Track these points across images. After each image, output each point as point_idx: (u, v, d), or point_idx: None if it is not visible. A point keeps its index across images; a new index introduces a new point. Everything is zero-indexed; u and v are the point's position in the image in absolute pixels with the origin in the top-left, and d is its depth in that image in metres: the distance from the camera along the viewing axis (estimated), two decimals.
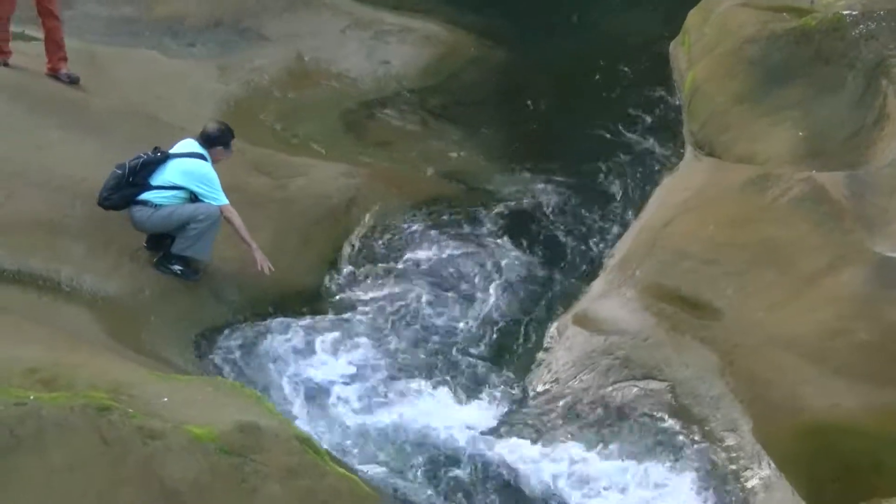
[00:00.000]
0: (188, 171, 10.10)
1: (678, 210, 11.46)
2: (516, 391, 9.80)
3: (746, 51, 13.48)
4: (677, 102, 14.65)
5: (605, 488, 8.78)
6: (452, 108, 14.72)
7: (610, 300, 10.40)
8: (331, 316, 10.53)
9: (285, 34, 15.20)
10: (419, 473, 8.77)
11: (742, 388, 9.11)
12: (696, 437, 9.06)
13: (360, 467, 8.58)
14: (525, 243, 11.82)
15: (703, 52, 14.29)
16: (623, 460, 8.99)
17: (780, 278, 10.16)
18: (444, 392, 9.69)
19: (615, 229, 12.15)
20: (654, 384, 9.46)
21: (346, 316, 10.53)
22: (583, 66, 15.86)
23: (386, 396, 9.57)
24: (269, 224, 11.05)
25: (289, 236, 11.13)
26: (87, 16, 14.17)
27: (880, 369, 9.11)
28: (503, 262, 11.48)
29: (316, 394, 9.55)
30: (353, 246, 11.48)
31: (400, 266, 11.29)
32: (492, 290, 11.07)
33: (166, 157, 10.16)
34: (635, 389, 9.50)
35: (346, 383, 9.71)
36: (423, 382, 9.80)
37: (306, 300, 10.71)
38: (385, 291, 10.89)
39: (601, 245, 11.91)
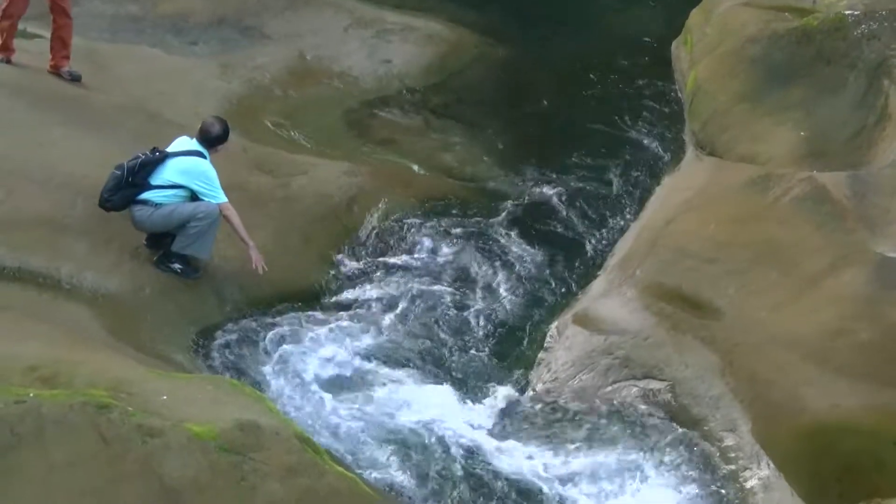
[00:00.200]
0: (187, 170, 10.10)
1: (679, 209, 11.46)
2: (516, 390, 9.79)
3: (748, 50, 13.49)
4: (679, 102, 14.66)
5: (603, 488, 8.77)
6: (454, 107, 14.72)
7: (610, 299, 10.40)
8: (331, 314, 10.52)
9: (287, 33, 15.21)
10: (418, 472, 8.76)
11: (742, 388, 9.10)
12: (696, 437, 9.05)
13: (358, 466, 8.58)
14: (526, 242, 11.82)
15: (705, 52, 14.30)
16: (621, 459, 8.99)
17: (781, 278, 10.16)
18: (443, 391, 9.69)
19: (616, 228, 12.15)
20: (653, 384, 9.46)
21: (346, 314, 10.53)
22: (584, 65, 15.88)
23: (386, 395, 9.56)
24: (270, 222, 11.06)
25: (290, 235, 11.14)
26: (92, 14, 14.18)
27: (881, 369, 9.11)
28: (504, 261, 11.49)
29: (315, 392, 9.53)
30: (354, 244, 11.48)
31: (401, 264, 11.30)
32: (492, 289, 11.08)
33: (165, 157, 10.15)
34: (635, 389, 9.50)
35: (345, 381, 9.70)
36: (423, 381, 9.80)
37: (307, 298, 10.70)
38: (385, 290, 10.89)
39: (602, 244, 11.91)
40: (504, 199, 12.61)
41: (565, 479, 8.83)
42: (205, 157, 10.23)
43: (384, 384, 9.72)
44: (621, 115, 14.51)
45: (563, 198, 12.68)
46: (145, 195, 10.05)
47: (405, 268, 11.26)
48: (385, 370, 9.89)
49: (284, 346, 10.01)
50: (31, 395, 6.92)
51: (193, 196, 10.14)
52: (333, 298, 10.77)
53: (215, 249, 10.29)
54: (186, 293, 10.19)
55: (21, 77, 12.32)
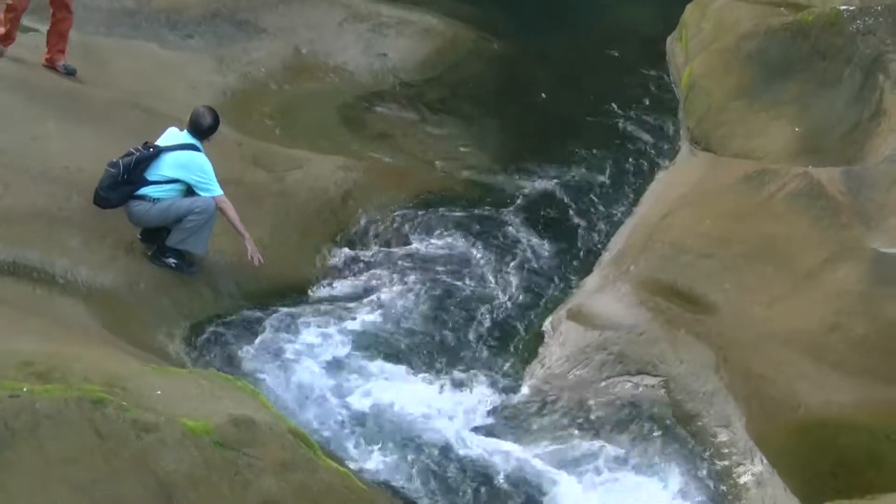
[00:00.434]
0: (184, 164, 10.08)
1: (674, 205, 11.47)
2: (510, 386, 9.79)
3: (743, 46, 13.50)
4: (674, 97, 14.66)
5: (596, 483, 8.79)
6: (450, 102, 14.70)
7: (605, 295, 10.40)
8: (326, 308, 10.52)
9: (282, 27, 15.16)
10: (410, 467, 8.77)
11: (736, 384, 9.11)
12: (689, 433, 9.06)
13: (351, 461, 8.59)
14: (521, 237, 11.82)
15: (701, 47, 14.32)
16: (615, 455, 9.00)
17: (776, 274, 10.18)
18: (437, 385, 9.70)
19: (611, 224, 12.15)
20: (648, 379, 9.47)
21: (341, 308, 10.52)
22: (580, 60, 15.87)
23: (379, 389, 9.56)
24: (265, 217, 11.06)
25: (286, 229, 11.13)
26: (88, 8, 14.11)
27: (877, 365, 9.14)
28: (499, 255, 11.48)
29: (310, 386, 9.54)
30: (349, 238, 11.47)
31: (395, 259, 11.30)
32: (487, 283, 11.09)
33: (159, 152, 10.12)
34: (629, 385, 9.50)
35: (340, 376, 9.70)
36: (416, 375, 9.81)
37: (302, 292, 10.70)
38: (380, 284, 10.89)
39: (597, 239, 11.91)
40: (499, 193, 12.61)
41: (557, 474, 8.84)
42: (199, 150, 10.21)
43: (378, 378, 9.72)
44: (616, 110, 14.51)
45: (558, 193, 12.68)
46: (142, 191, 10.03)
47: (399, 262, 11.26)
48: (379, 364, 9.89)
49: (279, 341, 10.01)
50: (26, 390, 6.89)
51: (189, 189, 10.13)
52: (328, 293, 10.77)
53: (211, 243, 10.27)
54: (181, 287, 10.18)
55: (16, 71, 12.28)
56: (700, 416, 9.13)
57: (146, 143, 10.23)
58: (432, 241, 11.61)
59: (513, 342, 10.40)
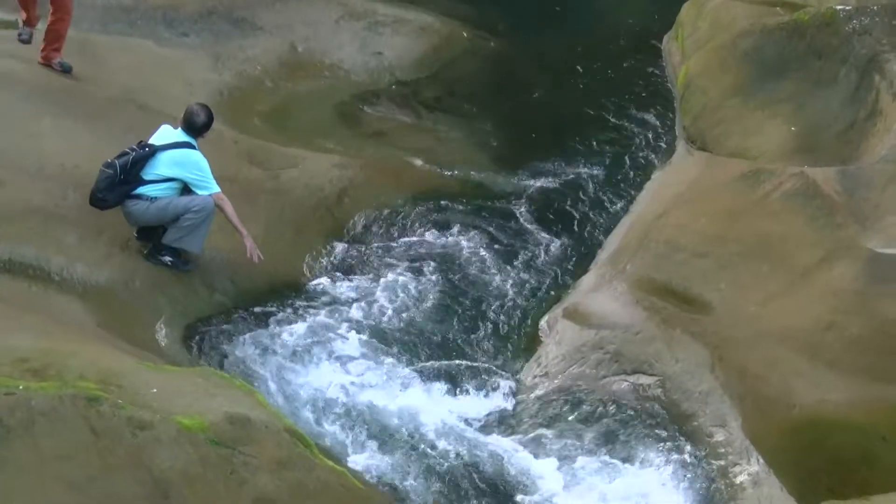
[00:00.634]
0: (180, 162, 10.07)
1: (670, 204, 11.47)
2: (506, 384, 9.80)
3: (739, 45, 13.51)
4: (670, 96, 14.66)
5: (592, 482, 8.79)
6: (446, 100, 14.71)
7: (601, 294, 10.41)
8: (322, 306, 10.52)
9: (278, 24, 15.15)
10: (406, 465, 8.77)
11: (732, 383, 9.12)
12: (685, 433, 9.06)
13: (347, 459, 8.59)
14: (517, 235, 11.83)
15: (697, 46, 14.33)
16: (611, 455, 9.01)
17: (771, 273, 10.18)
18: (433, 384, 9.70)
19: (607, 223, 12.16)
20: (644, 378, 9.47)
21: (337, 306, 10.52)
22: (576, 58, 15.87)
23: (375, 387, 9.56)
24: (261, 215, 11.05)
25: (281, 227, 11.13)
26: (84, 5, 14.06)
27: (872, 363, 9.15)
28: (495, 254, 11.49)
29: (306, 384, 9.54)
30: (344, 236, 11.48)
31: (391, 257, 11.30)
32: (483, 282, 11.09)
33: (155, 151, 10.09)
34: (625, 384, 9.51)
35: (335, 374, 9.70)
36: (412, 374, 9.80)
37: (298, 290, 10.70)
38: (375, 282, 10.89)
39: (593, 238, 11.91)
40: (494, 192, 12.61)
41: (553, 473, 8.85)
42: (194, 147, 10.19)
43: (374, 377, 9.71)
44: (611, 109, 14.53)
45: (554, 191, 12.69)
46: (139, 190, 10.01)
47: (395, 260, 11.27)
48: (375, 362, 9.88)
49: (275, 338, 10.00)
50: (21, 387, 6.90)
51: (186, 187, 10.12)
52: (323, 290, 10.76)
53: (208, 241, 10.26)
54: (177, 285, 10.18)
55: (11, 68, 12.26)
56: (696, 415, 9.13)
57: (141, 141, 10.22)
58: (428, 239, 11.62)
59: (509, 341, 10.41)
